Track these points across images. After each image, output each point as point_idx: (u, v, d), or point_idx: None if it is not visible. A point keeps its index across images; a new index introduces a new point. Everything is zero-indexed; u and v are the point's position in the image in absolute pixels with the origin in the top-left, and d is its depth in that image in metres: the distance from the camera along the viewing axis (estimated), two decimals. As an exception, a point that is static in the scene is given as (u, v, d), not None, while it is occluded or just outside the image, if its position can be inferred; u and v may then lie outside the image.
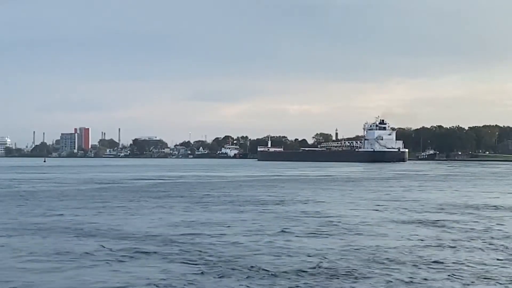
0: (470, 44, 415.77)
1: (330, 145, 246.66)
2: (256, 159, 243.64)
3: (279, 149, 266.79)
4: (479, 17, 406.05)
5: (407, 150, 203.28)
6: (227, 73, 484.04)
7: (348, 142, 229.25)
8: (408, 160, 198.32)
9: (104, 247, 18.28)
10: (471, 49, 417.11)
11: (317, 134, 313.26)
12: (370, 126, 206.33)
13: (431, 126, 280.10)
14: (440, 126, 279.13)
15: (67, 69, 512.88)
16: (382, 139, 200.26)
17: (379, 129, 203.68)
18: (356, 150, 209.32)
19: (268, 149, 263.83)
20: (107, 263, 15.96)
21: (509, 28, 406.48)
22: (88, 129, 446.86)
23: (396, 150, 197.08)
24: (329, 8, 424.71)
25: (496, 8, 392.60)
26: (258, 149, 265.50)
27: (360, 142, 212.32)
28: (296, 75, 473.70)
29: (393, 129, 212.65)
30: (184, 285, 13.57)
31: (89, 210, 29.94)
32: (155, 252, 17.42)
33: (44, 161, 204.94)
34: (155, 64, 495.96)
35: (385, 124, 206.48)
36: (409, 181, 64.08)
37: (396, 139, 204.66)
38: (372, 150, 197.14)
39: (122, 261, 16.18)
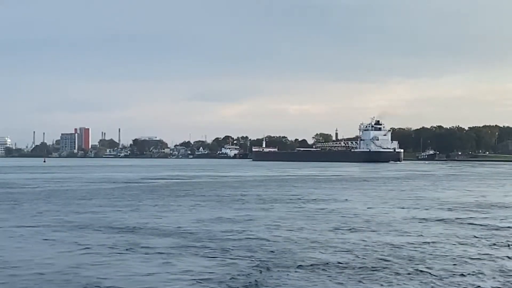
0: (470, 44, 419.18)
1: (326, 145, 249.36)
2: (251, 159, 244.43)
3: (274, 150, 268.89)
4: (479, 17, 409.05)
5: (402, 150, 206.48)
6: (227, 73, 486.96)
7: (344, 143, 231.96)
8: (405, 160, 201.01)
9: (150, 242, 19.00)
10: (471, 49, 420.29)
11: (317, 134, 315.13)
12: (366, 126, 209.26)
13: (431, 126, 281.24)
14: (440, 126, 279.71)
15: (67, 69, 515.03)
16: (377, 140, 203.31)
17: (375, 130, 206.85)
18: (352, 150, 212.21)
19: (263, 150, 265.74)
20: (157, 258, 16.51)
21: (509, 28, 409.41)
22: (88, 129, 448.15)
23: (392, 150, 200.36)
24: (329, 8, 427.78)
25: (496, 8, 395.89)
26: (253, 149, 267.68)
27: (356, 142, 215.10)
28: (296, 75, 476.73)
29: (393, 129, 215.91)
30: (235, 276, 14.26)
31: (122, 208, 30.62)
32: (200, 247, 18.00)
33: (44, 162, 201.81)
34: (155, 64, 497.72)
35: (381, 124, 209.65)
36: (413, 181, 65.01)
37: (393, 140, 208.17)
38: (368, 150, 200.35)
39: (171, 256, 16.78)
